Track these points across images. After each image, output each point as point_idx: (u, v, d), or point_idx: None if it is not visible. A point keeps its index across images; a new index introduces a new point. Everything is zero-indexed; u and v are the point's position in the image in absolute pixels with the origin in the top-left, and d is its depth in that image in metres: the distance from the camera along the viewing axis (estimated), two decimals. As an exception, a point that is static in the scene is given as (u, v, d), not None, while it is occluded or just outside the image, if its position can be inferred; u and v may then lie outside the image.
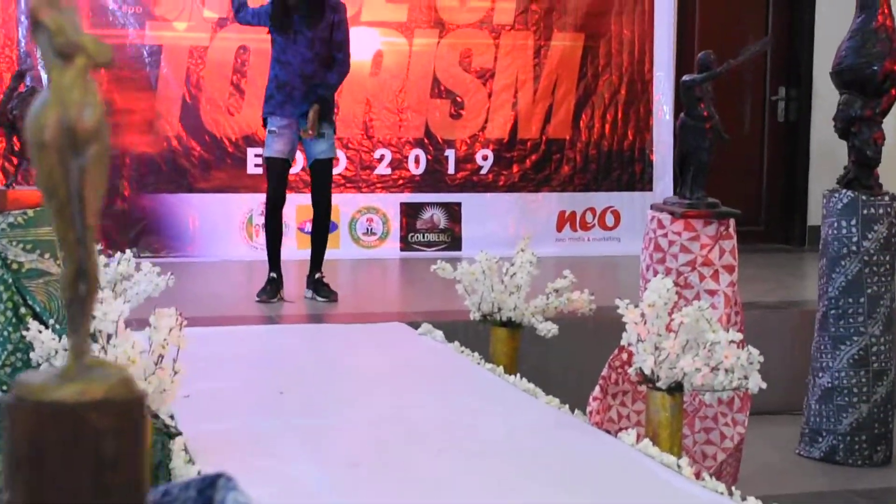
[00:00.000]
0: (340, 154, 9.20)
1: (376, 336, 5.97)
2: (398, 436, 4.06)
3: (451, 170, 9.44)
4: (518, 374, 4.96)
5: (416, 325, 5.98)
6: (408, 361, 5.47)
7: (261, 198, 8.24)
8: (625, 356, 4.46)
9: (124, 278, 5.32)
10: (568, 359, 6.13)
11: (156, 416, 4.27)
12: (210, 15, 8.86)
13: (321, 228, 7.41)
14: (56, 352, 3.83)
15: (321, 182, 7.29)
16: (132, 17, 8.85)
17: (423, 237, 9.45)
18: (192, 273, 8.41)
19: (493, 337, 5.59)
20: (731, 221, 4.64)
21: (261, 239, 8.77)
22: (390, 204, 9.38)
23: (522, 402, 4.62)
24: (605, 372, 4.48)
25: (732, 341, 4.04)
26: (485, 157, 9.49)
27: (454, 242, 9.44)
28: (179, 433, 4.13)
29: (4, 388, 4.28)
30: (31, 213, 4.31)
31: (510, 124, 9.55)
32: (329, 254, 8.76)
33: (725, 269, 4.58)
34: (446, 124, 9.47)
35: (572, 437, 4.12)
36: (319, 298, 7.29)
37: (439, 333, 5.83)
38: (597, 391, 4.48)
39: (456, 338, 5.72)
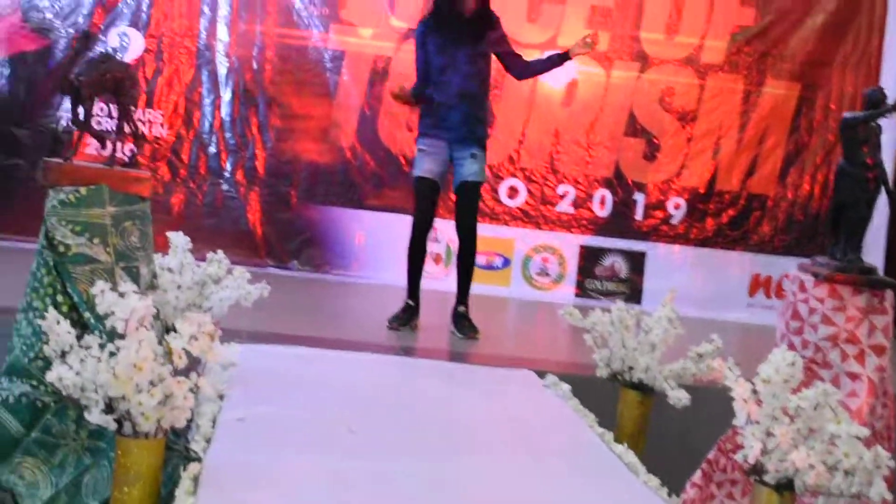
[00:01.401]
0: (521, 186, 8.64)
1: (496, 382, 5.39)
2: (445, 499, 3.48)
3: (638, 215, 8.76)
4: (626, 444, 4.32)
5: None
6: (514, 413, 4.88)
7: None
8: (739, 440, 3.73)
9: (213, 281, 4.87)
10: (708, 434, 5.38)
11: (176, 436, 3.78)
12: (398, 24, 8.42)
13: (466, 257, 6.85)
14: (71, 346, 3.35)
15: (468, 207, 6.75)
16: (317, 18, 8.48)
17: (602, 285, 8.78)
18: (345, 292, 7.98)
19: (621, 399, 4.94)
20: (889, 294, 3.85)
21: (429, 266, 8.27)
22: (569, 245, 8.74)
23: (615, 478, 3.98)
24: (712, 455, 3.78)
25: (858, 437, 3.30)
26: (677, 206, 8.77)
27: (634, 294, 8.74)
28: (198, 459, 3.62)
29: (34, 382, 3.86)
30: (83, 190, 3.90)
31: (709, 173, 8.80)
32: (497, 290, 8.32)
33: (874, 350, 3.80)
34: (639, 165, 8.81)
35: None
36: (458, 334, 6.73)
37: (566, 387, 5.23)
38: (697, 476, 3.78)
39: (588, 394, 5.07)
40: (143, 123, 8.36)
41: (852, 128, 3.88)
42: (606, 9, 8.70)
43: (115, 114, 4.21)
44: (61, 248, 3.86)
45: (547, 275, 8.68)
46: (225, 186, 8.44)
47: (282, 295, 6.92)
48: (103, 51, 4.35)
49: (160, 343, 3.38)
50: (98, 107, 7.94)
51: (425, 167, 6.68)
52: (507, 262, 8.64)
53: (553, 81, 8.66)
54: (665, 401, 4.85)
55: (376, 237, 8.51)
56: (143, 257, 4.01)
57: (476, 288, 8.31)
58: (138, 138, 4.19)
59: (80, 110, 4.00)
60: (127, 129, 4.10)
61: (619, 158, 8.77)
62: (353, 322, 7.19)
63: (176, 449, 3.73)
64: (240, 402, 4.37)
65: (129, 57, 8.34)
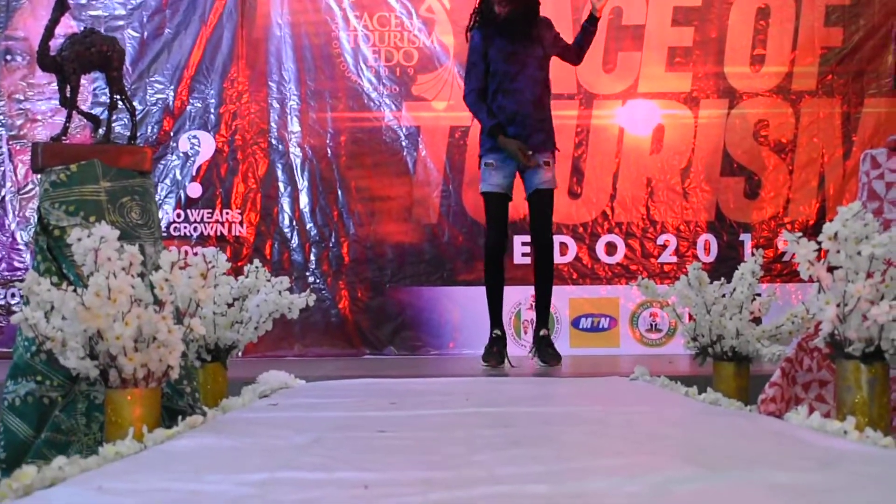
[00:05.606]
0: (618, 241, 8.20)
1: (583, 383, 4.88)
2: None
3: (747, 257, 8.16)
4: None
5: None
6: (590, 390, 4.39)
7: (530, 290, 7.38)
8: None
9: (254, 294, 4.52)
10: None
11: (179, 395, 3.39)
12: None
13: (545, 272, 6.45)
14: (52, 306, 3.01)
15: (544, 216, 6.41)
16: (388, 97, 8.26)
17: (720, 335, 8.16)
18: (444, 365, 7.53)
19: (715, 375, 4.45)
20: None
21: (529, 336, 7.86)
22: (678, 296, 8.17)
23: (675, 400, 3.51)
24: (791, 352, 3.27)
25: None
26: (786, 242, 8.14)
27: (757, 341, 8.08)
28: (202, 414, 3.23)
29: (38, 378, 3.53)
30: (73, 167, 3.62)
31: (817, 204, 8.22)
32: (608, 351, 7.86)
33: (964, 215, 3.29)
34: (741, 205, 8.29)
35: (714, 419, 2.97)
36: (540, 363, 6.30)
37: (660, 379, 4.69)
38: (776, 376, 3.26)
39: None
40: (223, 225, 8.17)
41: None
42: (685, 48, 8.33)
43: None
44: (56, 232, 3.57)
45: (658, 330, 8.15)
46: (311, 279, 8.15)
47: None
48: (86, 26, 4.13)
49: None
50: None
51: (494, 181, 6.38)
52: (613, 322, 8.15)
53: (637, 130, 8.29)
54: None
55: (472, 312, 8.07)
56: (147, 236, 3.69)
57: (584, 351, 7.90)
58: (133, 114, 3.90)
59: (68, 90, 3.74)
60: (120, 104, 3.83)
61: (719, 200, 8.27)
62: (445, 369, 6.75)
63: (178, 409, 3.35)
64: (280, 398, 4.00)
65: (201, 159, 8.22)
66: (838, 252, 2.90)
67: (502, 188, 6.41)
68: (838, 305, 2.89)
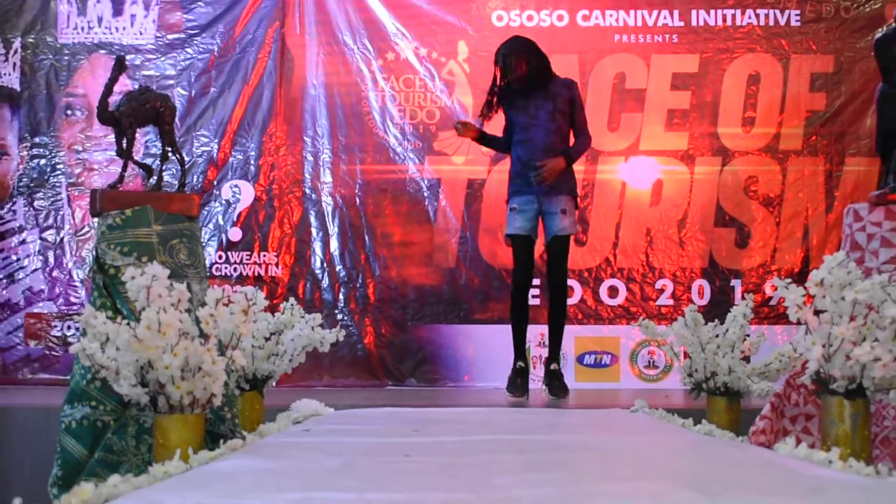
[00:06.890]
0: (620, 285, 8.19)
1: (585, 415, 4.86)
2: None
3: (737, 301, 8.13)
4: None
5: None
6: (596, 420, 4.36)
7: (541, 328, 7.41)
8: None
9: (289, 329, 4.52)
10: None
11: (221, 420, 3.39)
12: (489, 149, 8.12)
13: (558, 312, 6.47)
14: (107, 338, 3.02)
15: (559, 260, 6.43)
16: (412, 152, 8.30)
17: (711, 372, 8.14)
18: (460, 393, 7.54)
19: (708, 409, 4.43)
20: (949, 209, 3.33)
21: (538, 370, 7.83)
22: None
23: (673, 431, 3.49)
24: (780, 388, 3.25)
25: (922, 319, 2.78)
26: (774, 288, 8.15)
27: (744, 378, 8.05)
28: (242, 437, 3.22)
29: (93, 403, 3.53)
30: (128, 212, 3.64)
31: (802, 253, 8.21)
32: (609, 386, 7.86)
33: (941, 265, 3.28)
34: (732, 253, 8.28)
35: (707, 446, 2.95)
36: (549, 395, 6.30)
37: (659, 412, 4.68)
38: (766, 409, 3.25)
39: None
40: (260, 266, 8.21)
41: (885, 45, 3.40)
42: (683, 110, 8.35)
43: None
44: (111, 271, 3.59)
45: (655, 367, 8.13)
46: (340, 316, 8.17)
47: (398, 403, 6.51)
48: (141, 84, 4.20)
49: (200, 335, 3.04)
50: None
51: (517, 224, 6.42)
52: (614, 359, 8.13)
53: (638, 184, 8.30)
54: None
55: (486, 348, 8.10)
56: (194, 275, 3.71)
57: (588, 385, 7.89)
58: (182, 164, 3.93)
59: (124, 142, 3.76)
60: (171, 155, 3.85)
61: (712, 249, 8.28)
62: (461, 399, 6.74)
63: (220, 433, 3.35)
64: (312, 424, 3.99)
65: (241, 206, 8.26)
66: (824, 297, 2.91)
67: (525, 230, 6.44)
68: (824, 346, 2.88)
